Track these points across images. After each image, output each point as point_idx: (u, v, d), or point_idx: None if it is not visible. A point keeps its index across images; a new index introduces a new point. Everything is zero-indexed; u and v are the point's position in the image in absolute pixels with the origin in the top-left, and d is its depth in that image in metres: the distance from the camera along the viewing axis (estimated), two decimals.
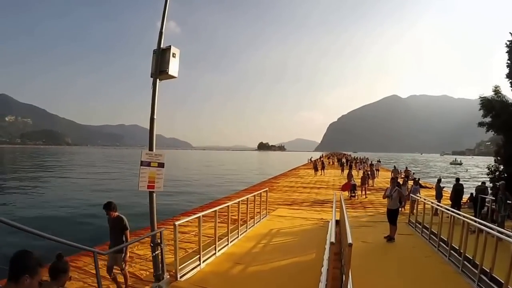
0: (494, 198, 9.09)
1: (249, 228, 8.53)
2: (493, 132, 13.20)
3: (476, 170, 62.65)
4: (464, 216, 6.21)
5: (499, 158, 12.98)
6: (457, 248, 5.97)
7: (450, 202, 10.90)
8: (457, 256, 5.91)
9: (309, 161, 52.85)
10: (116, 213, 4.79)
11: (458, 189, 10.90)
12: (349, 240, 3.85)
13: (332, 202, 9.79)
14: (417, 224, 8.84)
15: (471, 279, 5.18)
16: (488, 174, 13.43)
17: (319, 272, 5.11)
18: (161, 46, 4.56)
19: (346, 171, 25.23)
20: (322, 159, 47.16)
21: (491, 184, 12.40)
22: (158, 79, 4.57)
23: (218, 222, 6.27)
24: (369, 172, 20.34)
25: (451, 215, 6.63)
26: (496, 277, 4.58)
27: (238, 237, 7.63)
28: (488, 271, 4.77)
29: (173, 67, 4.58)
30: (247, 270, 5.75)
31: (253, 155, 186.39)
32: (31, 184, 26.63)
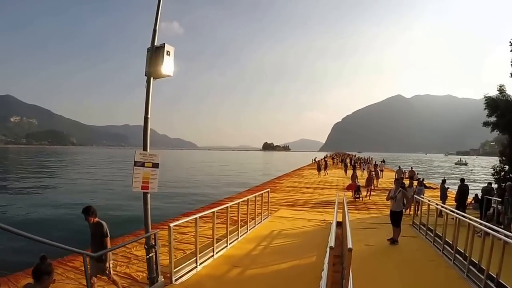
0: (500, 200, 8.86)
1: (249, 230, 8.41)
2: (498, 132, 13.00)
3: (482, 171, 61.81)
4: (469, 219, 6.02)
5: (504, 158, 12.77)
6: (463, 251, 5.77)
7: (455, 203, 10.71)
8: (462, 260, 5.70)
9: (314, 161, 52.92)
10: (96, 219, 4.45)
11: (463, 190, 10.70)
12: (349, 245, 3.71)
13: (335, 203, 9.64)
14: (421, 226, 8.66)
15: (476, 285, 4.98)
16: (493, 175, 13.21)
17: (319, 276, 4.97)
18: (155, 44, 4.44)
19: (350, 172, 24.95)
20: (326, 159, 47.05)
21: (496, 185, 12.19)
22: (152, 78, 4.46)
23: (219, 223, 6.17)
24: (374, 173, 20.10)
25: (456, 217, 6.44)
26: (503, 282, 4.40)
27: (237, 238, 7.52)
28: (494, 276, 4.57)
29: (168, 65, 4.44)
30: (244, 273, 5.64)
31: (258, 155, 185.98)
32: (31, 184, 26.77)
